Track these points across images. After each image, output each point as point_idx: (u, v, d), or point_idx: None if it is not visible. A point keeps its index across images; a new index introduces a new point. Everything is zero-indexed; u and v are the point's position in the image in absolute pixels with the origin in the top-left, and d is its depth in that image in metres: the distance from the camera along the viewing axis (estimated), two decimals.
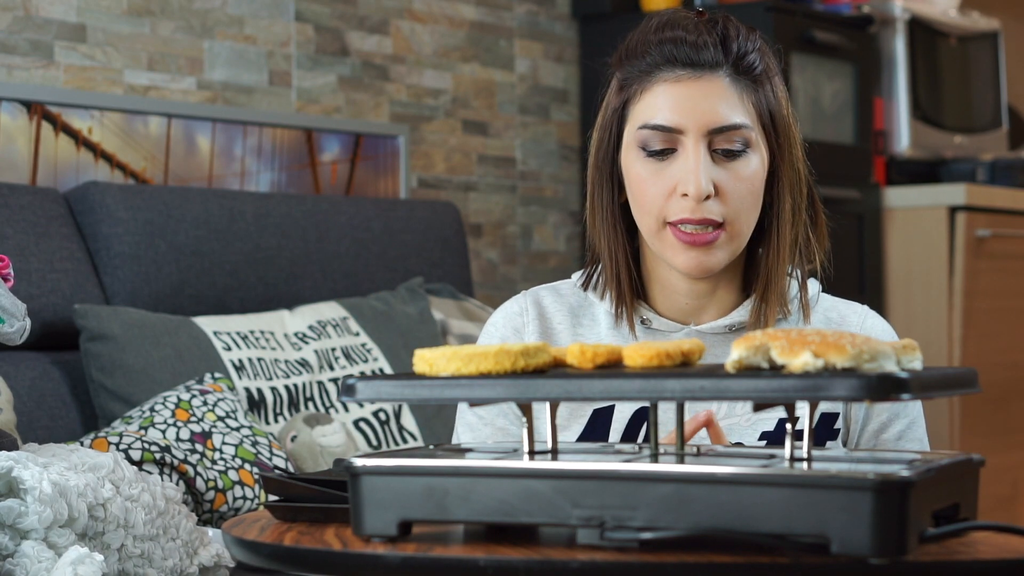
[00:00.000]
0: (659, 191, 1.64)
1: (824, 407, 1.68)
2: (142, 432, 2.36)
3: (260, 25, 3.30)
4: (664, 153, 1.65)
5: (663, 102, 1.65)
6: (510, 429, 1.74)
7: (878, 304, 4.03)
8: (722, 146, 1.64)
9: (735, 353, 1.18)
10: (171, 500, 1.81)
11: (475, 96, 3.80)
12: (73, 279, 2.67)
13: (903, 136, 4.14)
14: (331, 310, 2.93)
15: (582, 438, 1.68)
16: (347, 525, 1.29)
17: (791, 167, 1.69)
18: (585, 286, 1.75)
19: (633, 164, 1.67)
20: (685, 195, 1.63)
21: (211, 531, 1.93)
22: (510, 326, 1.75)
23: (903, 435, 1.70)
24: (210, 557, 1.85)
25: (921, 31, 4.20)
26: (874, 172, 4.12)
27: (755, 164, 1.66)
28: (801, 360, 1.14)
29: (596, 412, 1.69)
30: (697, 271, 1.65)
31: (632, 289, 1.71)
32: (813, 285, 1.76)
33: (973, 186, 4.07)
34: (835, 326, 1.72)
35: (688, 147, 1.63)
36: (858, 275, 4.01)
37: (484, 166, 3.82)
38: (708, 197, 1.62)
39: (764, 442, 1.66)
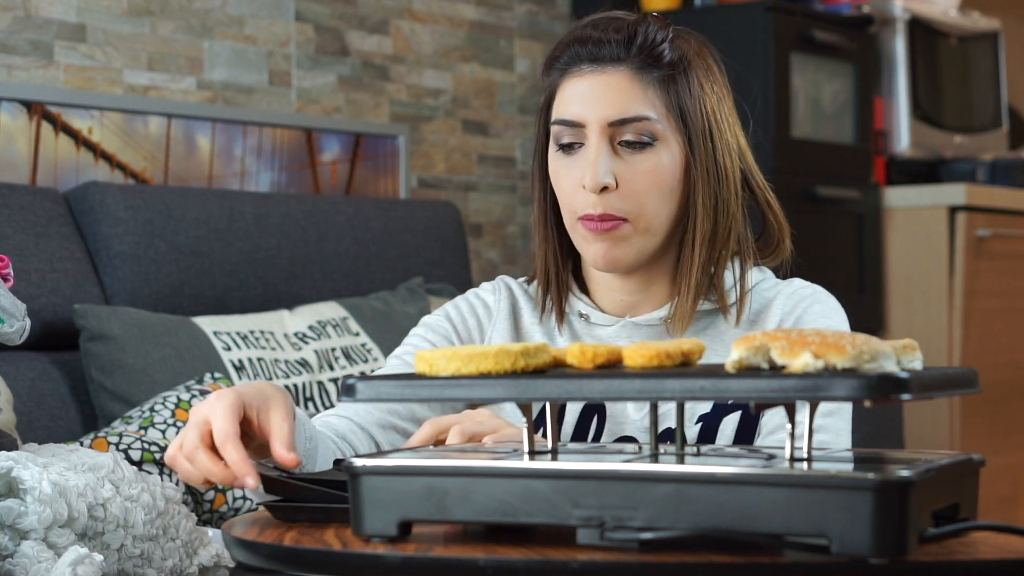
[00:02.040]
0: (569, 185, 1.68)
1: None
2: (142, 432, 2.36)
3: (260, 25, 3.30)
4: (572, 147, 1.68)
5: (569, 97, 1.69)
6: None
7: (878, 304, 4.03)
8: (625, 138, 1.66)
9: (735, 353, 1.18)
10: (171, 500, 1.81)
11: (475, 96, 3.80)
12: (73, 279, 2.66)
13: (903, 136, 4.14)
14: (331, 310, 2.93)
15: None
16: (347, 525, 1.29)
17: (709, 160, 1.68)
18: (530, 281, 1.81)
19: (551, 160, 1.72)
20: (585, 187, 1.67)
21: (211, 531, 1.93)
22: (480, 303, 1.80)
23: (820, 428, 1.68)
24: (210, 557, 1.85)
25: (921, 31, 4.20)
26: (874, 172, 4.12)
27: (662, 158, 1.67)
28: (801, 361, 1.14)
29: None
30: (605, 263, 1.68)
31: (559, 284, 1.74)
32: (756, 275, 1.76)
33: (973, 186, 4.07)
34: (766, 304, 1.73)
35: (591, 140, 1.67)
36: (858, 275, 4.00)
37: (484, 166, 3.82)
38: (606, 189, 1.65)
39: (700, 424, 1.67)
